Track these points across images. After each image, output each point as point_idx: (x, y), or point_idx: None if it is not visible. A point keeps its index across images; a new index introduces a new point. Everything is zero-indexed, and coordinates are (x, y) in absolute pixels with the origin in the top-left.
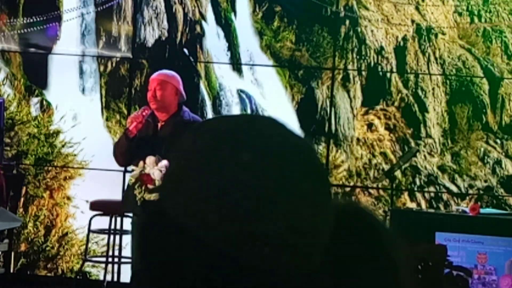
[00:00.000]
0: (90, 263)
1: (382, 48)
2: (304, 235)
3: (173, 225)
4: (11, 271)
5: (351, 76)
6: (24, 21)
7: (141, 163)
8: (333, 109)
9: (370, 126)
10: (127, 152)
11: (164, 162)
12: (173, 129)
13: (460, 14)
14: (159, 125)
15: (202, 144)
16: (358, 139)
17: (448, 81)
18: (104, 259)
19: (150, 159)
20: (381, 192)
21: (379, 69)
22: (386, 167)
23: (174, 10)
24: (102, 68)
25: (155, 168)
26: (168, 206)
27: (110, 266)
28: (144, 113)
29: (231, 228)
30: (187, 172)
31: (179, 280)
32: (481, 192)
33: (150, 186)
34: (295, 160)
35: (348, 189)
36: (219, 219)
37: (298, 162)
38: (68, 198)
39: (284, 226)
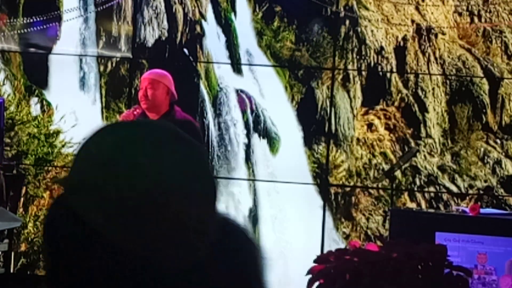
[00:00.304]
0: None
1: (382, 48)
2: (192, 231)
3: (75, 217)
4: (11, 271)
5: (351, 76)
6: (24, 21)
7: None
8: (333, 109)
9: (370, 126)
10: None
11: None
12: None
13: (460, 14)
14: None
15: (105, 148)
16: (358, 139)
17: (448, 81)
18: None
19: None
20: (381, 192)
21: (379, 69)
22: (386, 167)
23: (174, 10)
24: (102, 68)
25: None
26: (72, 201)
27: None
28: (135, 112)
29: (128, 224)
30: (91, 173)
31: (77, 268)
32: (481, 192)
33: None
34: (188, 164)
35: (348, 189)
36: (117, 217)
37: (190, 166)
38: None
39: (175, 223)
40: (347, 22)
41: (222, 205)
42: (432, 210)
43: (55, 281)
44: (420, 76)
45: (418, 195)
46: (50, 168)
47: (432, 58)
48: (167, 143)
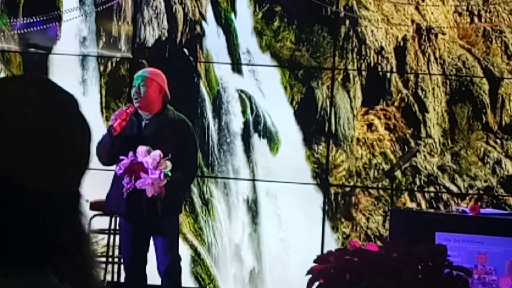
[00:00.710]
0: None
1: (382, 48)
2: (67, 167)
3: None
4: None
5: (351, 76)
6: (24, 21)
7: (130, 153)
8: (333, 109)
9: (370, 126)
10: (110, 150)
11: (157, 152)
12: (157, 127)
13: (460, 14)
14: (143, 123)
15: None
16: (358, 139)
17: (448, 81)
18: (104, 259)
19: (142, 149)
20: (381, 192)
21: (379, 69)
22: (386, 167)
23: (174, 10)
24: (102, 68)
25: (147, 156)
26: None
27: (110, 266)
28: (128, 111)
29: (18, 163)
30: None
31: None
32: (481, 192)
33: (142, 175)
34: (61, 112)
35: (348, 189)
36: (7, 157)
37: (62, 114)
38: None
39: (53, 161)
40: (347, 22)
41: (223, 205)
42: (432, 210)
43: None
44: (420, 76)
45: (418, 195)
46: None
47: (432, 58)
48: (45, 94)
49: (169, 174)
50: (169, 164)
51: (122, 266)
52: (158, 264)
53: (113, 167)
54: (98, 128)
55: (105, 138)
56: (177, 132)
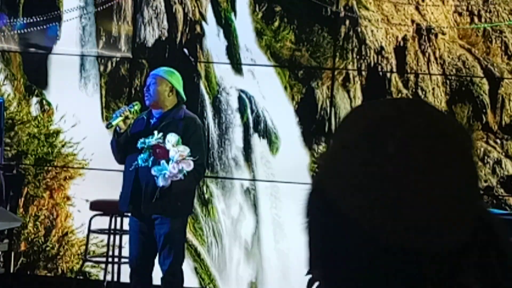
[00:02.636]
0: (90, 263)
1: (382, 48)
2: (446, 221)
3: (328, 203)
4: (11, 271)
5: (351, 76)
6: (24, 21)
7: (160, 134)
8: (333, 109)
9: None
10: (118, 147)
11: (188, 150)
12: (163, 125)
13: (460, 14)
14: (152, 121)
15: (355, 132)
16: None
17: (448, 81)
18: (104, 259)
19: (173, 138)
20: None
21: (379, 69)
22: None
23: (174, 10)
24: (102, 68)
25: (175, 148)
26: (325, 186)
27: (110, 266)
28: (132, 109)
29: (378, 214)
30: (341, 158)
31: (329, 258)
32: (481, 192)
33: (162, 163)
34: (441, 150)
35: None
36: (367, 206)
37: (443, 152)
38: (68, 198)
39: (426, 213)
40: (347, 22)
41: (223, 205)
42: None
43: (312, 269)
44: (420, 76)
45: None
46: (50, 168)
47: (432, 58)
48: (419, 127)
49: (186, 174)
50: (191, 164)
51: (122, 266)
52: (159, 266)
53: (114, 167)
54: (98, 128)
55: (113, 137)
56: (181, 129)
